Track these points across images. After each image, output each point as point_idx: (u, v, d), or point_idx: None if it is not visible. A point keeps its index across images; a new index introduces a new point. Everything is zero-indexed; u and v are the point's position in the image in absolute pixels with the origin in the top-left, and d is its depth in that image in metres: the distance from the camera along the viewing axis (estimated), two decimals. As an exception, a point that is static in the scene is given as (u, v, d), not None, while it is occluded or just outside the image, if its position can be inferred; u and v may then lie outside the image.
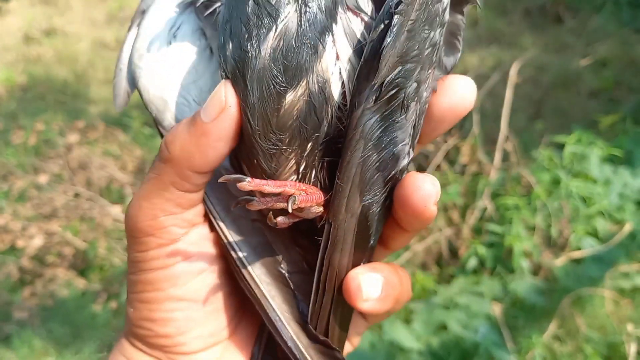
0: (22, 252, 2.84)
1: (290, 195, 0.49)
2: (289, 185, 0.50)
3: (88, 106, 4.85)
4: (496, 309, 2.15)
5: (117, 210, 3.03)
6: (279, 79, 0.47)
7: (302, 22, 0.47)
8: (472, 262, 2.41)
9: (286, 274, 0.56)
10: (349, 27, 0.48)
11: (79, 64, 5.65)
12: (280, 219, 0.50)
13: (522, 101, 4.05)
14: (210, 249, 0.57)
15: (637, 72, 4.58)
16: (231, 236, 0.55)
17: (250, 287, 0.55)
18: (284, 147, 0.49)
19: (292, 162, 0.50)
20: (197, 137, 0.50)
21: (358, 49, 0.48)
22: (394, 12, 0.44)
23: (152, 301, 0.56)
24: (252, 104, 0.48)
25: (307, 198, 0.50)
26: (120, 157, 3.44)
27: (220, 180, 0.47)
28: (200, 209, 0.56)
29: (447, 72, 0.54)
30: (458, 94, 0.52)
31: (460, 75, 0.53)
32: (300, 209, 0.49)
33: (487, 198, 2.59)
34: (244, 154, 0.53)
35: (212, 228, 0.57)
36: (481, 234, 2.54)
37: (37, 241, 2.79)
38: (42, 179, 3.11)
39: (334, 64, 0.48)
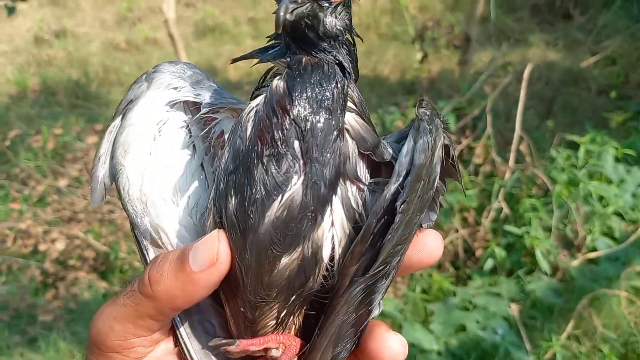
0: (44, 256, 2.89)
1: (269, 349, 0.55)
2: (271, 340, 0.55)
3: (102, 109, 4.89)
4: (514, 310, 2.18)
5: (135, 213, 3.07)
6: (278, 246, 0.51)
7: (307, 195, 0.50)
8: (489, 263, 2.44)
9: None
10: (346, 195, 0.53)
11: (91, 66, 5.69)
12: None
13: (533, 99, 4.07)
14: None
15: (647, 68, 4.59)
16: (194, 353, 0.58)
17: None
18: (270, 300, 0.53)
19: (275, 311, 0.54)
20: (184, 284, 0.52)
21: (350, 215, 0.53)
22: (398, 212, 0.49)
23: None
24: (249, 265, 0.51)
25: (289, 354, 0.55)
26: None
27: (210, 344, 0.54)
28: (166, 331, 0.58)
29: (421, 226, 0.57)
30: (427, 249, 0.56)
31: (430, 231, 0.56)
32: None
33: (502, 199, 2.61)
34: (227, 293, 0.55)
35: (176, 342, 0.59)
36: (497, 234, 2.57)
37: (59, 245, 2.84)
38: (62, 182, 3.15)
39: (329, 230, 0.52)
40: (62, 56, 5.98)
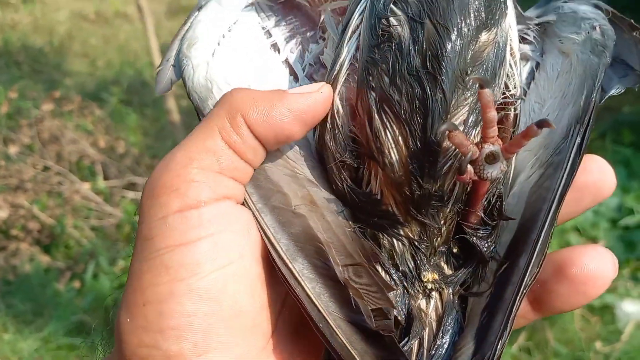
0: (-16, 224, 2.75)
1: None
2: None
3: (64, 78, 4.72)
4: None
5: (86, 188, 2.95)
6: (480, 14, 0.46)
7: None
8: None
9: (335, 267, 0.46)
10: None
11: (56, 35, 5.51)
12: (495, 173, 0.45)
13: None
14: (244, 231, 0.46)
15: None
16: (268, 228, 0.47)
17: (290, 285, 0.45)
18: (466, 89, 0.46)
19: (466, 108, 0.46)
20: (272, 98, 0.46)
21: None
22: None
23: (166, 297, 0.42)
24: (452, 27, 0.45)
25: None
26: (93, 133, 3.35)
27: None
28: (239, 188, 0.47)
29: None
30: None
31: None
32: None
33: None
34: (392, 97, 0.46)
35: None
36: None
37: (2, 213, 2.70)
38: (12, 149, 3.01)
39: (508, 30, 0.49)
40: (28, 22, 5.78)
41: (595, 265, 0.48)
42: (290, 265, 0.45)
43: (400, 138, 0.46)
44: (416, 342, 0.48)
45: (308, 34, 0.57)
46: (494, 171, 0.45)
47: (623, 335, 2.15)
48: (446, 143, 0.45)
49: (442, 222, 0.50)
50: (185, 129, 3.63)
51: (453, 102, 0.45)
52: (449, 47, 0.45)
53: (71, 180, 2.93)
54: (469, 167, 0.44)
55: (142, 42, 4.99)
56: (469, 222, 0.50)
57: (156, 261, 0.42)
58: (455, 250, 0.52)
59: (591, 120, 0.50)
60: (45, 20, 5.79)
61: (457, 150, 0.45)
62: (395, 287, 0.48)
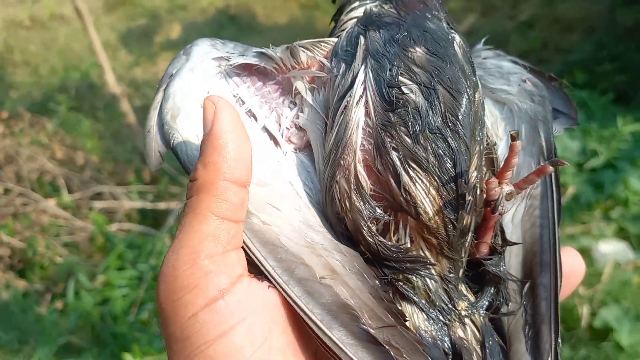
0: (-48, 257, 2.67)
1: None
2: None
3: (8, 91, 4.57)
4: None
5: (51, 204, 2.89)
6: (473, 77, 0.55)
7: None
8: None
9: (371, 331, 0.49)
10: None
11: (-8, 46, 5.31)
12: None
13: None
14: (265, 305, 0.48)
15: (562, 31, 4.69)
16: (299, 299, 0.49)
17: (334, 353, 0.48)
18: (475, 140, 0.53)
19: (476, 157, 0.53)
20: (213, 146, 0.48)
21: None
22: None
23: None
24: (448, 92, 0.52)
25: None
26: (49, 147, 3.27)
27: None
28: (242, 256, 0.49)
29: None
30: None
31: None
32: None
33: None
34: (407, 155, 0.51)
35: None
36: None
37: (-31, 244, 2.62)
38: (-33, 177, 2.91)
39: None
40: (-41, 37, 5.55)
41: (572, 261, 0.62)
42: (329, 334, 0.48)
43: (431, 189, 0.52)
44: None
45: (280, 99, 0.60)
46: (508, 205, 0.53)
47: (603, 276, 2.21)
48: (470, 186, 0.53)
49: (463, 254, 0.56)
50: (142, 129, 3.57)
51: (471, 153, 0.52)
52: (464, 107, 0.52)
53: (35, 200, 2.85)
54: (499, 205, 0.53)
55: (84, 43, 4.84)
56: (481, 253, 0.57)
57: (199, 358, 0.44)
58: (469, 279, 0.58)
59: (557, 156, 0.60)
60: (-22, 33, 5.56)
61: (486, 191, 0.53)
62: (427, 344, 0.52)
